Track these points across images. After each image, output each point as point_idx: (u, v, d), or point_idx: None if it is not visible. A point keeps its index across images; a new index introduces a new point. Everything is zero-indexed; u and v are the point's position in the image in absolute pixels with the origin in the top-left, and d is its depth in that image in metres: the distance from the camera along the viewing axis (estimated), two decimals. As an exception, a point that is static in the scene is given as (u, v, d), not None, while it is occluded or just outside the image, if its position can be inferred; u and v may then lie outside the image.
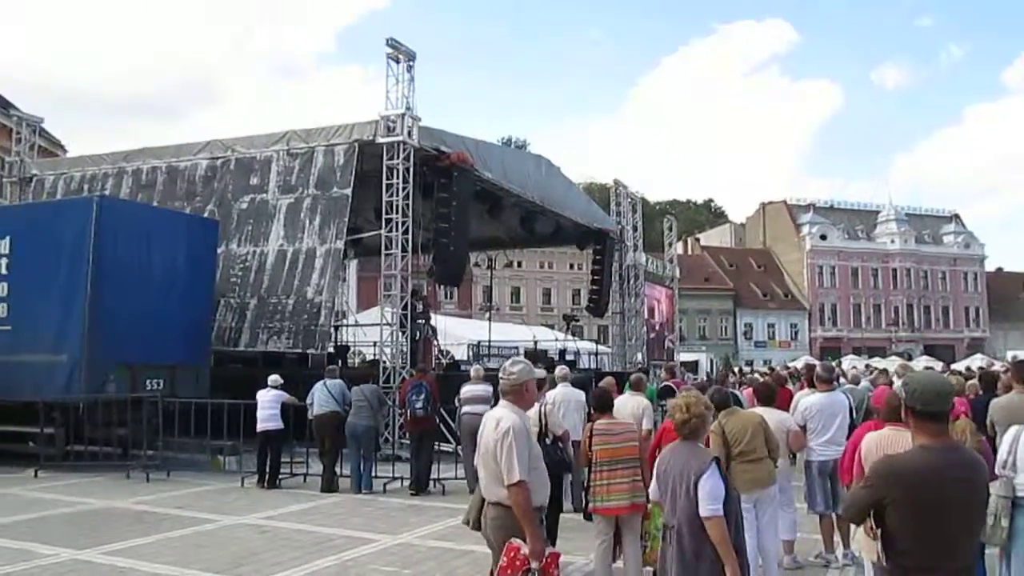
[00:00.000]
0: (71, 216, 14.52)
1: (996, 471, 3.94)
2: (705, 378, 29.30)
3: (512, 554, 4.08)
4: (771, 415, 7.31)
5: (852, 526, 7.65)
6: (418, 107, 16.20)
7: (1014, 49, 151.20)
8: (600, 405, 6.91)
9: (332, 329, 16.98)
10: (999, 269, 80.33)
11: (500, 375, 4.59)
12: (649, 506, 6.56)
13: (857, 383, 13.48)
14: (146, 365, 14.16)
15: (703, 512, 4.07)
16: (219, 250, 16.99)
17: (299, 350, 16.46)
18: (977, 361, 37.63)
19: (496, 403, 11.68)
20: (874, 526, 3.24)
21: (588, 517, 6.61)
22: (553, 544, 6.65)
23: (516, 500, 4.14)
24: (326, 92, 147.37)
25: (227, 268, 17.18)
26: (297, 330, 16.29)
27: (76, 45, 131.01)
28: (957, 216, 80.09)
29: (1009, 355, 34.50)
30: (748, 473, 6.62)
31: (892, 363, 35.83)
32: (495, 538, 4.33)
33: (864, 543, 3.73)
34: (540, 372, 7.43)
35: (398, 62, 16.06)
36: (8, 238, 14.60)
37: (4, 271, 14.54)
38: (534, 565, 4.04)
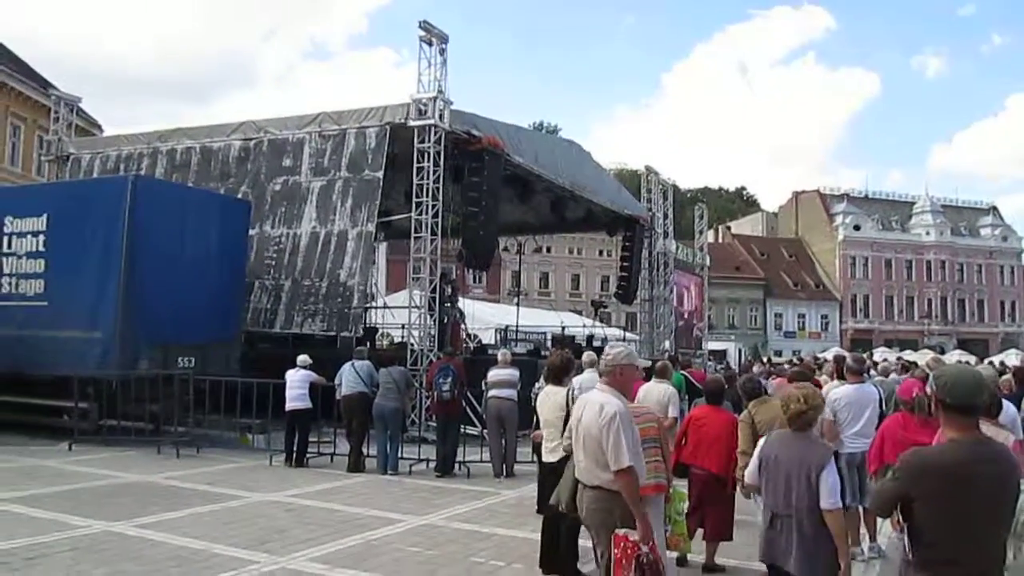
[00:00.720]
0: (107, 195, 14.73)
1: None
2: (726, 366, 29.09)
3: (622, 544, 4.18)
4: None
5: (879, 520, 7.61)
6: (450, 91, 16.21)
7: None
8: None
9: (362, 311, 17.11)
10: (1037, 263, 78.88)
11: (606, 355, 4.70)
12: (671, 490, 6.56)
13: (887, 375, 13.33)
14: (178, 343, 14.34)
15: (825, 505, 4.16)
16: (253, 232, 17.19)
17: (333, 333, 16.60)
18: (1012, 357, 37.00)
19: (521, 387, 11.71)
20: (901, 520, 3.22)
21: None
22: (578, 529, 6.67)
23: (624, 485, 4.25)
24: (358, 75, 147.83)
25: (261, 250, 17.36)
26: (331, 313, 16.47)
27: (111, 28, 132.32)
28: (995, 208, 78.70)
29: (1045, 351, 33.89)
30: (774, 463, 6.60)
31: (924, 356, 35.37)
32: (593, 521, 4.45)
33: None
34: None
35: (431, 44, 16.06)
36: (46, 215, 14.85)
37: (42, 248, 14.78)
38: (644, 549, 4.14)
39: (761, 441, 4.79)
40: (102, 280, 14.01)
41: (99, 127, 34.65)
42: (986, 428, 3.40)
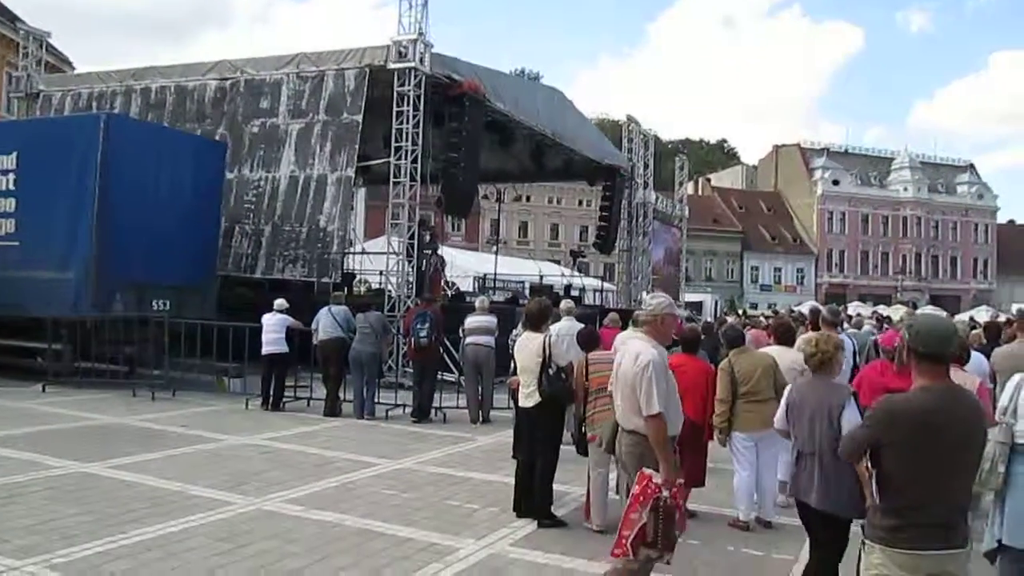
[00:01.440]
0: (79, 132, 14.39)
1: (996, 417, 3.95)
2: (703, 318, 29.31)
3: (644, 483, 4.30)
4: (785, 354, 7.32)
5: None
6: (431, 34, 15.95)
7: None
8: (586, 345, 6.99)
9: (340, 257, 17.04)
10: (1011, 221, 79.64)
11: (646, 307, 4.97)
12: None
13: (860, 328, 13.48)
14: (153, 284, 14.22)
15: None
16: (231, 175, 17.05)
17: (313, 279, 16.54)
18: (982, 313, 37.53)
19: (499, 334, 11.75)
20: (870, 466, 3.27)
21: (585, 454, 6.67)
22: (552, 474, 6.76)
23: (653, 431, 4.40)
24: (335, 16, 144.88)
25: (240, 194, 17.22)
26: (312, 258, 16.44)
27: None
28: (972, 166, 79.06)
29: (1015, 308, 34.42)
30: (752, 413, 6.70)
31: (897, 311, 35.84)
32: (629, 463, 4.61)
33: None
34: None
35: (412, -15, 15.72)
36: (15, 153, 14.51)
37: (11, 187, 14.47)
38: (665, 493, 4.25)
39: (787, 388, 5.04)
40: (74, 220, 13.77)
41: (70, 64, 33.73)
42: (953, 374, 3.44)
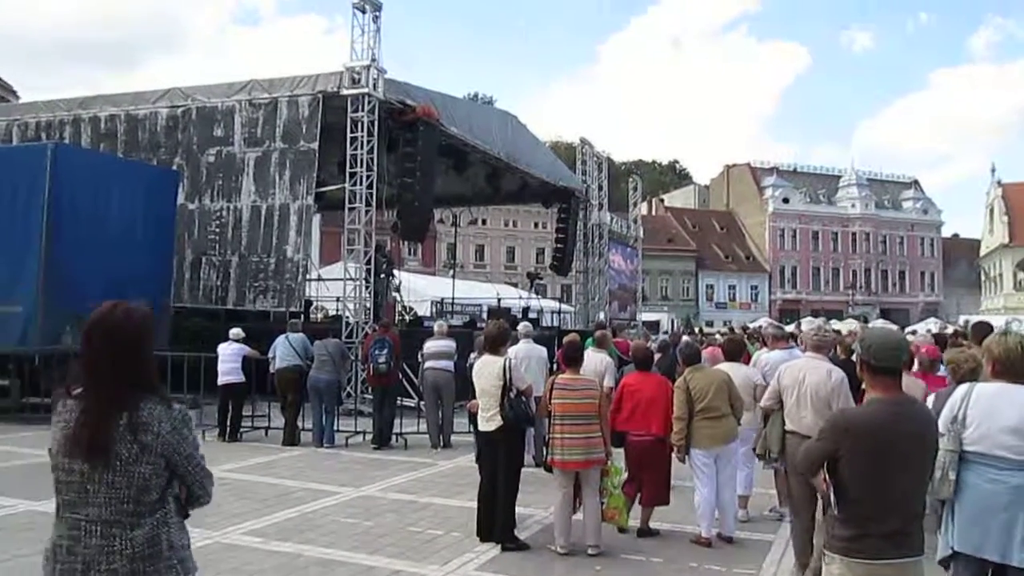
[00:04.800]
0: (25, 163, 14.11)
1: (945, 427, 4.05)
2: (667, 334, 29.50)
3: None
4: (738, 371, 7.44)
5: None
6: (383, 59, 15.98)
7: (979, 15, 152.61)
8: (568, 358, 6.84)
9: (302, 284, 16.96)
10: (955, 235, 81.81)
11: (813, 333, 6.33)
12: (608, 463, 6.67)
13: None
14: (104, 317, 13.90)
15: None
16: (193, 205, 17.02)
17: (283, 309, 16.40)
18: (931, 324, 38.41)
19: (458, 359, 11.72)
20: (827, 478, 3.33)
21: (549, 470, 6.69)
22: (514, 497, 6.75)
23: None
24: (287, 42, 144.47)
25: (204, 225, 17.14)
26: (281, 289, 16.39)
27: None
28: (916, 182, 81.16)
29: (961, 319, 35.27)
30: (708, 429, 6.77)
31: (848, 325, 36.50)
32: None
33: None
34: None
35: (364, 12, 15.78)
36: (-41, 184, 14.15)
37: (-45, 219, 14.10)
38: None
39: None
40: (22, 252, 13.44)
41: (14, 93, 33.23)
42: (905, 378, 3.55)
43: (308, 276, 20.83)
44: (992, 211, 63.06)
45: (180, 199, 16.87)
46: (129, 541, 2.54)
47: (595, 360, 9.03)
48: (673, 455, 7.01)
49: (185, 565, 2.66)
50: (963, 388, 4.11)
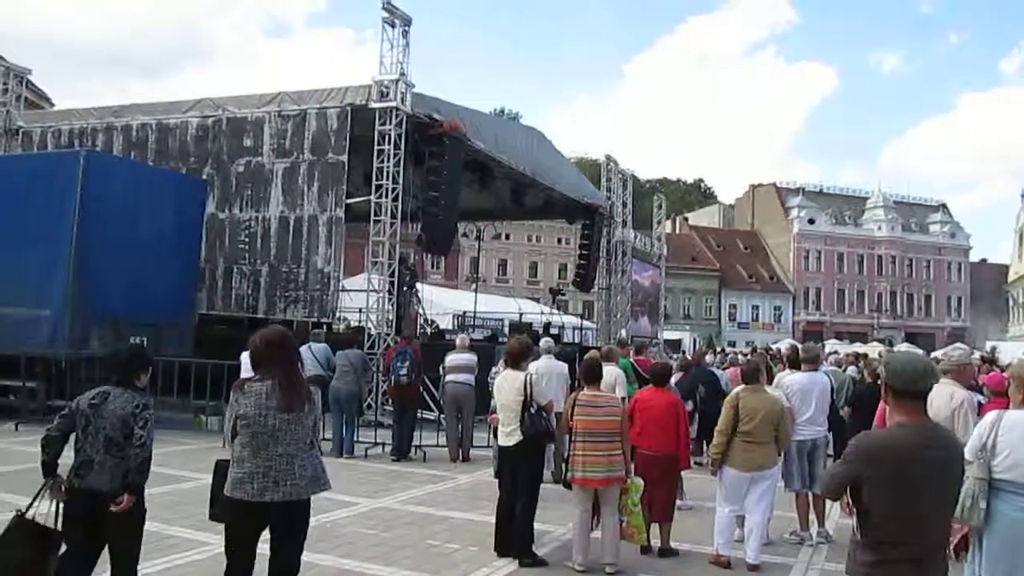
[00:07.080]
0: (58, 169, 14.36)
1: (974, 455, 4.00)
2: (682, 355, 29.33)
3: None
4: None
5: (828, 506, 7.78)
6: (412, 73, 16.09)
7: (1014, 37, 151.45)
8: (588, 376, 6.83)
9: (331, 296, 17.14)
10: (983, 260, 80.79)
11: (941, 359, 6.29)
12: (628, 481, 6.62)
13: (840, 366, 13.59)
14: (130, 322, 14.06)
15: None
16: (223, 215, 17.17)
17: (314, 318, 16.54)
18: (957, 350, 37.92)
19: (478, 371, 11.71)
20: (851, 502, 3.30)
21: (568, 486, 6.66)
22: (533, 513, 6.72)
23: None
24: (317, 54, 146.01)
25: (234, 234, 17.31)
26: (312, 299, 16.55)
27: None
28: (944, 206, 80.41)
29: (988, 345, 34.83)
30: (747, 452, 6.67)
31: (873, 348, 36.10)
32: None
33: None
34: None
35: (393, 26, 15.90)
36: (-6, 188, 14.42)
37: (-12, 222, 14.35)
38: None
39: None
40: (52, 256, 13.66)
41: (49, 101, 33.69)
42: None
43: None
44: (1021, 236, 62.23)
45: (210, 208, 17.11)
46: (302, 467, 4.29)
47: (605, 372, 9.01)
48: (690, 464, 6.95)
49: (328, 481, 4.52)
50: (992, 415, 4.08)
